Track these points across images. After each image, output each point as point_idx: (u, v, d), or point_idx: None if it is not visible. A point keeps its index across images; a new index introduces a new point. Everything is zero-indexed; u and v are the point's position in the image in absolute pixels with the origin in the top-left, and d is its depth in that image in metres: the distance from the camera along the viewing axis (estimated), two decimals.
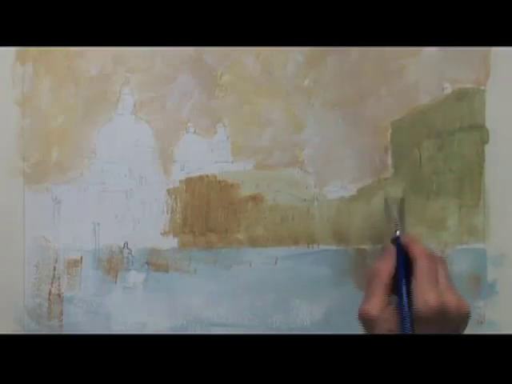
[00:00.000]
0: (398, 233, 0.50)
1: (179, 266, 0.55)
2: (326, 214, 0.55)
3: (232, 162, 0.55)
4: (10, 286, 0.55)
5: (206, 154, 0.55)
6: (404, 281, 0.46)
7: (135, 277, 0.55)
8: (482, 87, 0.55)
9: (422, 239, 0.55)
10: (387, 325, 0.45)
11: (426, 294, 0.44)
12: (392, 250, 0.49)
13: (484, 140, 0.55)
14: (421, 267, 0.46)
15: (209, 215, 0.55)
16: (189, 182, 0.55)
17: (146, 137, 0.55)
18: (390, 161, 0.55)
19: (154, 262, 0.55)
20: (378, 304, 0.46)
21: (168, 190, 0.55)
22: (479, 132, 0.55)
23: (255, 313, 0.55)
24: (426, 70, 0.55)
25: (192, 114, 0.55)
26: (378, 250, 0.54)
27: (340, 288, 0.55)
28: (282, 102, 0.55)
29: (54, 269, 0.55)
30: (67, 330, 0.55)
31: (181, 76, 0.55)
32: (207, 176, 0.55)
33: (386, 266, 0.47)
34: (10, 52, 0.54)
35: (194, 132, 0.55)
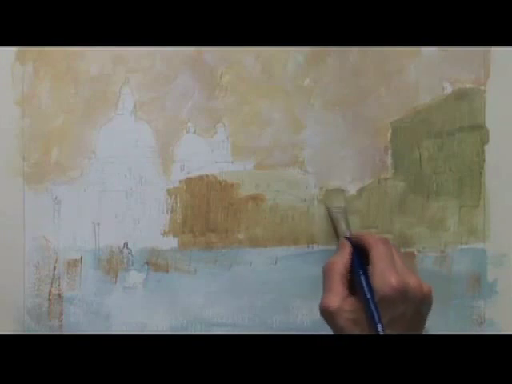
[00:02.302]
0: (347, 233, 0.52)
1: (179, 265, 0.55)
2: (326, 213, 0.55)
3: (232, 162, 0.55)
4: (10, 286, 0.55)
5: (206, 154, 0.55)
6: (361, 271, 0.47)
7: (135, 277, 0.55)
8: (482, 87, 0.55)
9: (421, 239, 0.55)
10: (351, 315, 0.45)
11: (387, 277, 0.45)
12: (345, 244, 0.50)
13: (484, 140, 0.55)
14: (377, 253, 0.46)
15: (209, 215, 0.55)
16: (189, 182, 0.55)
17: (146, 137, 0.55)
18: (390, 161, 0.55)
19: (154, 262, 0.55)
20: (336, 297, 0.46)
21: (168, 190, 0.55)
22: (479, 132, 0.55)
23: (255, 313, 0.55)
24: (426, 70, 0.55)
25: (192, 114, 0.55)
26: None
27: None
28: (281, 102, 0.55)
29: (54, 269, 0.55)
30: (67, 330, 0.55)
31: (181, 76, 0.55)
32: (207, 176, 0.55)
33: (340, 259, 0.48)
34: (10, 52, 0.54)
35: (194, 132, 0.55)
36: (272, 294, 0.55)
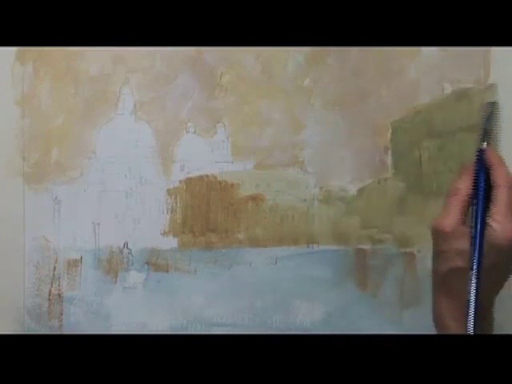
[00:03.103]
0: (484, 144, 0.48)
1: (179, 265, 0.55)
2: (326, 214, 0.55)
3: (232, 162, 0.55)
4: (10, 285, 0.55)
5: (206, 154, 0.55)
6: (481, 202, 0.45)
7: (135, 277, 0.55)
8: (482, 87, 0.55)
9: (421, 239, 0.55)
10: (458, 245, 0.44)
11: (503, 224, 0.44)
12: (471, 169, 0.47)
13: None
14: (502, 195, 0.45)
15: (209, 215, 0.55)
16: (189, 182, 0.55)
17: (146, 137, 0.55)
18: (389, 161, 0.55)
19: (154, 262, 0.55)
20: (452, 221, 0.45)
21: (168, 190, 0.55)
22: (479, 132, 0.55)
23: (255, 313, 0.55)
24: (426, 70, 0.55)
25: (192, 114, 0.55)
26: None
27: (340, 288, 0.55)
28: (281, 102, 0.55)
29: (54, 269, 0.55)
30: (67, 330, 0.55)
31: (181, 76, 0.55)
32: (207, 176, 0.55)
33: (465, 185, 0.46)
34: (10, 52, 0.54)
35: (194, 132, 0.55)
36: (272, 294, 0.55)
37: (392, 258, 0.55)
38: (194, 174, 0.55)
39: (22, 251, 0.55)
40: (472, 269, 0.43)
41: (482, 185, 0.46)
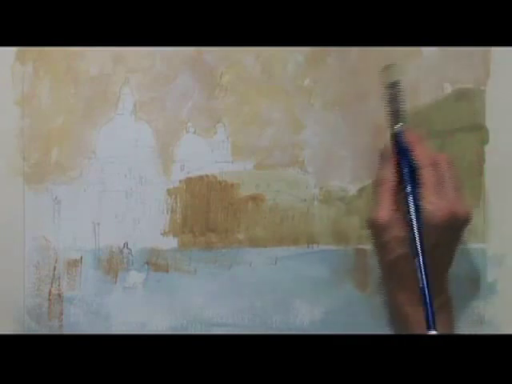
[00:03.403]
0: (398, 126, 0.48)
1: (179, 265, 0.55)
2: (326, 213, 0.55)
3: (232, 162, 0.55)
4: (10, 286, 0.55)
5: (206, 154, 0.55)
6: (410, 186, 0.45)
7: (135, 277, 0.55)
8: (482, 87, 0.55)
9: None
10: (396, 232, 0.44)
11: (435, 203, 0.44)
12: (389, 153, 0.47)
13: (484, 140, 0.55)
14: (428, 174, 0.45)
15: (209, 215, 0.55)
16: (189, 182, 0.55)
17: (146, 137, 0.55)
18: None
19: (154, 262, 0.55)
20: (385, 211, 0.45)
21: (168, 190, 0.55)
22: (479, 132, 0.55)
23: (255, 313, 0.55)
24: (426, 70, 0.55)
25: (192, 114, 0.55)
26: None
27: (340, 288, 0.55)
28: (281, 102, 0.55)
29: (54, 269, 0.55)
30: (67, 330, 0.55)
31: (181, 76, 0.55)
32: (207, 176, 0.55)
33: (386, 172, 0.46)
34: (10, 52, 0.54)
35: (194, 132, 0.55)
36: (272, 294, 0.55)
37: None
38: (194, 173, 0.55)
39: (22, 251, 0.55)
40: (416, 255, 0.43)
41: (407, 168, 0.45)
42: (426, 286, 0.43)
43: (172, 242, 0.55)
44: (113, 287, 0.55)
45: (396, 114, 0.48)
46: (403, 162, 0.46)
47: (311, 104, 0.55)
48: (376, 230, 0.45)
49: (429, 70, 0.55)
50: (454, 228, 0.44)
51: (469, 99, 0.55)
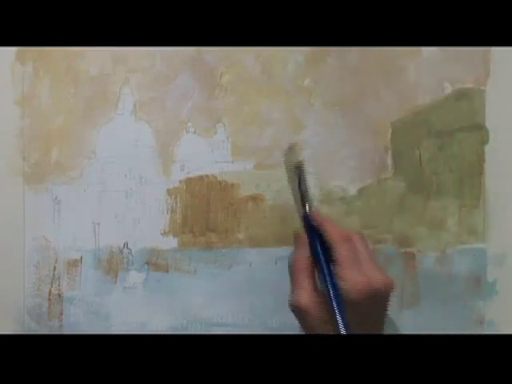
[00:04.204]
0: (307, 209, 0.48)
1: (179, 265, 0.55)
2: (326, 214, 0.55)
3: (232, 162, 0.55)
4: (10, 286, 0.55)
5: (206, 154, 0.55)
6: (325, 266, 0.45)
7: (135, 277, 0.55)
8: (482, 87, 0.55)
9: (421, 239, 0.55)
10: (321, 313, 0.44)
11: (351, 279, 0.43)
12: (303, 236, 0.47)
13: (484, 140, 0.55)
14: (340, 251, 0.45)
15: (209, 215, 0.55)
16: (189, 182, 0.55)
17: (146, 137, 0.55)
18: (389, 161, 0.55)
19: (154, 262, 0.55)
20: (306, 296, 0.44)
21: (168, 190, 0.55)
22: (479, 132, 0.55)
23: (255, 313, 0.55)
24: (426, 70, 0.55)
25: (192, 114, 0.55)
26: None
27: None
28: (281, 102, 0.55)
29: (54, 269, 0.55)
30: (67, 330, 0.55)
31: (181, 76, 0.55)
32: (207, 176, 0.55)
33: (302, 255, 0.46)
34: (9, 52, 0.54)
35: (194, 132, 0.55)
36: (272, 294, 0.55)
37: (392, 258, 0.55)
38: (194, 173, 0.55)
39: (22, 251, 0.55)
40: (339, 331, 0.43)
41: (320, 249, 0.46)
42: None
43: (172, 242, 0.55)
44: (113, 287, 0.55)
45: (303, 196, 0.48)
46: (316, 242, 0.46)
47: (311, 104, 0.55)
48: (299, 313, 0.45)
49: (429, 70, 0.55)
50: (376, 301, 0.44)
51: (469, 99, 0.55)
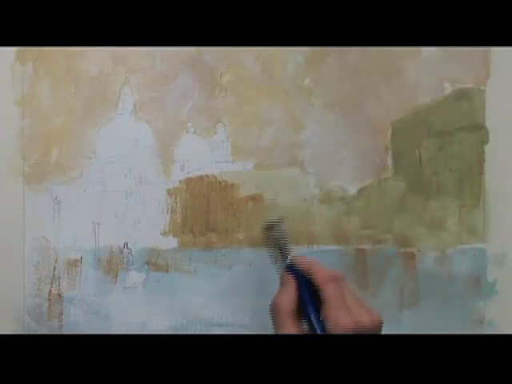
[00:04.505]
0: (288, 259, 0.49)
1: (179, 265, 0.55)
2: (326, 213, 0.55)
3: (232, 162, 0.55)
4: (10, 286, 0.55)
5: (206, 154, 0.55)
6: (312, 307, 0.45)
7: (135, 277, 0.55)
8: (482, 87, 0.55)
9: (421, 239, 0.55)
10: None
11: (340, 320, 0.44)
12: (289, 278, 0.47)
13: (484, 140, 0.55)
14: (327, 293, 0.45)
15: (209, 215, 0.55)
16: (189, 182, 0.55)
17: (146, 137, 0.55)
18: (389, 161, 0.55)
19: (154, 262, 0.55)
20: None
21: (168, 190, 0.55)
22: (479, 132, 0.55)
23: (255, 313, 0.55)
24: (426, 70, 0.55)
25: (192, 114, 0.55)
26: None
27: None
28: (281, 102, 0.55)
29: (54, 269, 0.55)
30: (67, 330, 0.55)
31: (181, 76, 0.55)
32: (207, 176, 0.55)
33: (287, 298, 0.46)
34: (9, 52, 0.54)
35: (194, 132, 0.55)
36: (272, 294, 0.55)
37: (392, 258, 0.55)
38: (194, 173, 0.55)
39: (22, 251, 0.55)
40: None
41: (307, 291, 0.46)
42: None
43: (172, 242, 0.55)
44: (113, 287, 0.55)
45: (283, 251, 0.49)
46: (303, 286, 0.47)
47: (311, 104, 0.55)
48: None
49: (429, 70, 0.55)
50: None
51: (469, 99, 0.55)
